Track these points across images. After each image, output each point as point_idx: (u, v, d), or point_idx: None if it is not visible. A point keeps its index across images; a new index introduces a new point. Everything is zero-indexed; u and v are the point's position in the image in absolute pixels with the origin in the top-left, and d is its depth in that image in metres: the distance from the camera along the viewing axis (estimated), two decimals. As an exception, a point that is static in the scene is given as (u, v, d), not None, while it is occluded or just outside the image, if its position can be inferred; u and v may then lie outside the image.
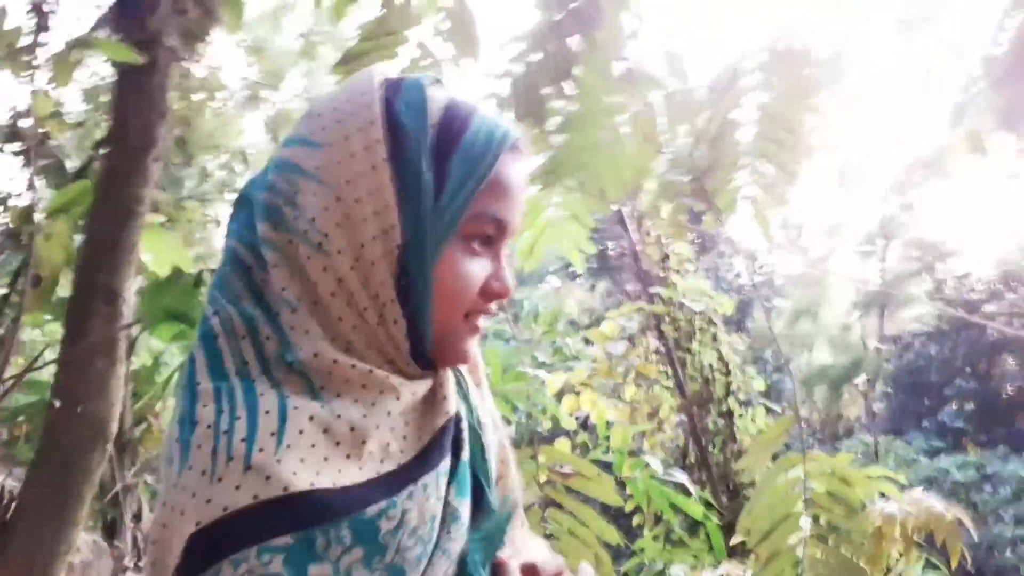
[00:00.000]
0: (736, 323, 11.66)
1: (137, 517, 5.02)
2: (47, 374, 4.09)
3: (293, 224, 0.63)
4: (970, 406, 12.34)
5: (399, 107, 0.65)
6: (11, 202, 4.72)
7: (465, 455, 0.69)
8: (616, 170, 2.23)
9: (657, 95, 2.14)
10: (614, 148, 2.21)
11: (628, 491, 3.41)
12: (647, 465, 3.13)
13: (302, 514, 0.56)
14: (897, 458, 9.74)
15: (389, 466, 0.62)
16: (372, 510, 0.59)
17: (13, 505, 1.65)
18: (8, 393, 1.31)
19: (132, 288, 1.59)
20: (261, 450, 0.57)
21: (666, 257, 4.82)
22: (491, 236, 0.67)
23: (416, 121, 0.64)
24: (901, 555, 2.46)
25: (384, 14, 2.15)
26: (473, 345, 0.69)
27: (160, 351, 4.21)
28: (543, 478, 2.27)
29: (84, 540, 3.59)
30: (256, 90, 5.82)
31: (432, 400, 0.68)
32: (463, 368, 0.75)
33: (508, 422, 4.97)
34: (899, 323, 15.13)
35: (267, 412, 0.59)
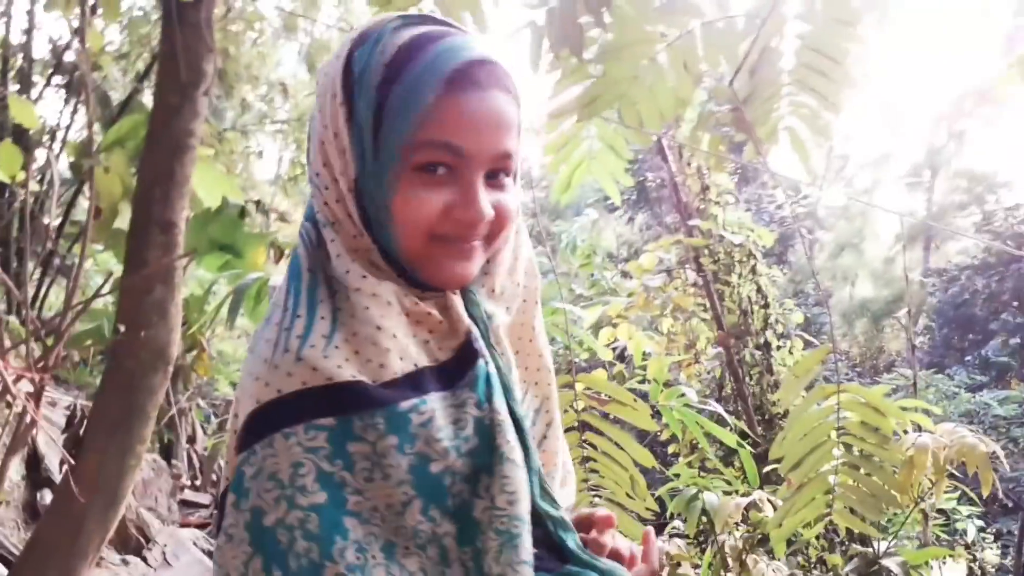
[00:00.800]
0: (777, 256, 11.54)
1: (191, 439, 5.27)
2: (100, 303, 4.26)
3: (308, 161, 0.74)
4: (1015, 341, 12.14)
5: (356, 54, 0.70)
6: (58, 135, 4.83)
7: (486, 365, 0.74)
8: (655, 100, 2.21)
9: (696, 24, 2.11)
10: (653, 78, 2.19)
11: (664, 420, 3.48)
12: (682, 395, 3.18)
13: (343, 401, 0.66)
14: (938, 392, 9.69)
15: (414, 367, 0.70)
16: (404, 405, 0.68)
17: (85, 423, 1.76)
18: (77, 318, 1.40)
19: (185, 219, 1.66)
20: (312, 346, 0.67)
21: (706, 188, 4.77)
22: (450, 164, 0.69)
23: (364, 63, 0.70)
24: (933, 484, 2.50)
25: (422, -57, 2.14)
26: (463, 268, 0.73)
27: (211, 281, 4.34)
28: (580, 405, 2.33)
29: (145, 459, 3.80)
30: (292, 20, 5.80)
31: (448, 317, 0.74)
32: (480, 288, 0.79)
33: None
34: (945, 256, 14.84)
35: (322, 317, 0.69)
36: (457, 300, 0.76)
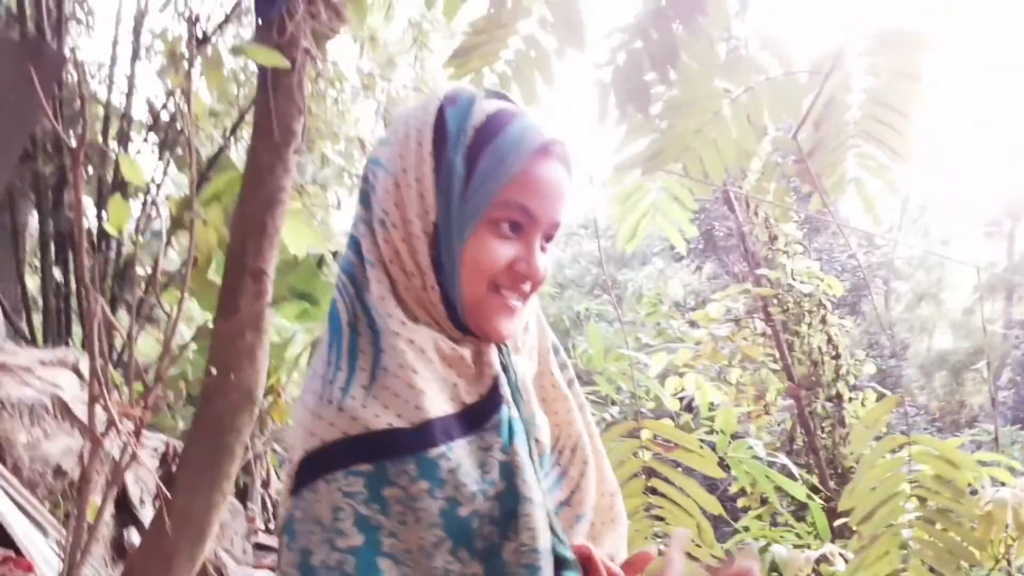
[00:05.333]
0: (850, 306, 11.26)
1: (266, 483, 5.41)
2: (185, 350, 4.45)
3: (372, 204, 0.81)
4: (1107, 396, 11.50)
5: (449, 112, 0.80)
6: (154, 190, 5.13)
7: (508, 409, 0.80)
8: (719, 153, 2.27)
9: (760, 79, 2.16)
10: (717, 132, 2.25)
11: (733, 473, 3.43)
12: (750, 447, 3.15)
13: (378, 448, 0.72)
14: (1023, 448, 9.23)
15: (443, 412, 0.76)
16: (434, 452, 0.73)
17: (176, 461, 1.88)
18: (174, 362, 1.52)
19: (274, 268, 1.78)
20: (353, 397, 0.73)
21: (774, 238, 4.76)
22: (521, 224, 0.80)
23: (458, 123, 0.79)
24: (1015, 541, 2.42)
25: (494, 9, 2.27)
26: (508, 324, 0.81)
27: (291, 330, 4.50)
28: (646, 454, 2.34)
29: (222, 499, 3.93)
30: (370, 80, 6.07)
31: (479, 364, 0.81)
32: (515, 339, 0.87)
33: (612, 402, 5.05)
34: (1030, 308, 14.22)
35: (362, 369, 0.75)
36: (491, 347, 0.83)
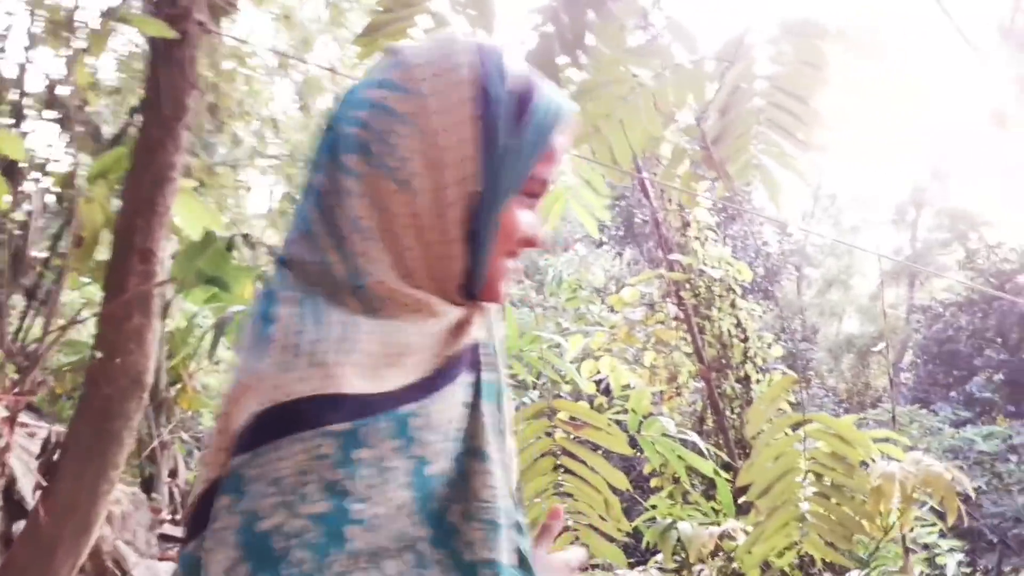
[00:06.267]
0: (764, 292, 11.62)
1: (173, 473, 5.24)
2: (85, 335, 4.27)
3: (382, 160, 0.72)
4: (1000, 377, 12.22)
5: (488, 71, 0.74)
6: (49, 167, 4.89)
7: (488, 375, 0.79)
8: (627, 138, 2.29)
9: (667, 65, 2.19)
10: (626, 116, 2.27)
11: (645, 454, 3.50)
12: (661, 425, 3.21)
13: (350, 409, 0.66)
14: (922, 428, 9.72)
15: (421, 375, 0.72)
16: (404, 409, 0.69)
17: (58, 451, 1.79)
18: (54, 344, 1.44)
19: (166, 249, 1.71)
20: (325, 352, 0.67)
21: (687, 224, 4.85)
22: (539, 194, 0.78)
23: (499, 88, 0.74)
24: (902, 513, 2.54)
25: (404, -15, 2.23)
26: (506, 288, 0.79)
27: (194, 314, 4.35)
28: (558, 435, 2.37)
29: (124, 492, 3.79)
30: (285, 59, 5.91)
31: (463, 326, 0.77)
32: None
33: (532, 386, 5.08)
34: (930, 293, 14.99)
35: (330, 324, 0.69)
36: (485, 313, 0.80)
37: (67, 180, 1.62)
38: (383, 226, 0.72)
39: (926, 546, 4.44)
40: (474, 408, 0.75)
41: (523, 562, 0.76)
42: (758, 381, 4.66)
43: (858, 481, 2.24)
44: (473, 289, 0.76)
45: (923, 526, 4.24)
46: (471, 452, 0.73)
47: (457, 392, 0.74)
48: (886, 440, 2.44)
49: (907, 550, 3.25)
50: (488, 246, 0.74)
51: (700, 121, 2.28)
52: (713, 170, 2.37)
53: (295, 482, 0.64)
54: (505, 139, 0.73)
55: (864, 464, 2.33)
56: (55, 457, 1.66)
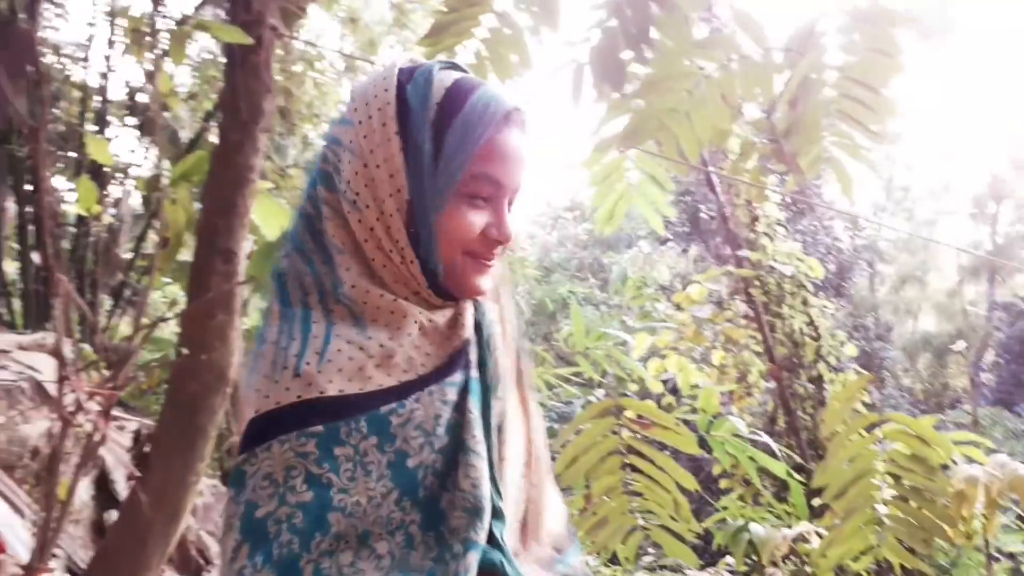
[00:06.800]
0: (835, 288, 11.32)
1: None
2: (166, 332, 4.44)
3: (338, 186, 0.81)
4: (1088, 377, 11.64)
5: (409, 90, 0.81)
6: (131, 171, 5.09)
7: (474, 373, 0.84)
8: (693, 131, 2.26)
9: (734, 58, 2.15)
10: (692, 110, 2.24)
11: (715, 454, 3.45)
12: (731, 424, 3.16)
13: (331, 411, 0.75)
14: (1005, 430, 9.33)
15: (410, 376, 0.80)
16: (385, 408, 0.77)
17: (149, 444, 1.87)
18: (144, 341, 1.51)
19: (246, 249, 1.77)
20: (308, 363, 0.76)
21: (755, 220, 4.76)
22: (490, 193, 0.82)
23: (420, 100, 0.80)
24: (987, 519, 2.45)
25: (469, -14, 2.24)
26: (484, 281, 0.85)
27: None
28: (626, 434, 2.35)
29: (205, 484, 3.93)
30: (352, 61, 6.02)
31: (453, 326, 0.84)
32: (487, 301, 0.90)
33: (598, 385, 5.06)
34: (1012, 290, 14.34)
35: (315, 336, 0.77)
36: (469, 310, 0.86)
37: (152, 184, 1.69)
38: (351, 241, 0.81)
39: (1011, 555, 4.26)
40: (460, 406, 0.81)
41: (496, 545, 0.81)
42: (831, 381, 4.55)
43: (939, 484, 2.17)
44: (441, 288, 0.83)
45: (1008, 533, 4.07)
46: (458, 446, 0.80)
47: (446, 392, 0.81)
48: (968, 442, 2.35)
49: (990, 558, 3.13)
50: (432, 245, 0.80)
51: (769, 114, 2.24)
52: (784, 163, 2.33)
53: (284, 476, 0.73)
54: (428, 147, 0.79)
55: (944, 467, 2.25)
56: (145, 449, 1.74)
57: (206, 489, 3.92)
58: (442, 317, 0.84)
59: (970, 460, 2.36)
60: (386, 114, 0.80)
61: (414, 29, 5.96)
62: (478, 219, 0.82)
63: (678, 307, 5.02)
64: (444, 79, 0.82)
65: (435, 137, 0.80)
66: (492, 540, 0.81)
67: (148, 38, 1.82)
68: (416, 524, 0.77)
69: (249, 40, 1.59)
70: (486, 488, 0.79)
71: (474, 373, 0.84)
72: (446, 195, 0.80)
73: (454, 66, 0.85)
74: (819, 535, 2.72)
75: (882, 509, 2.23)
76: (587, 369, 4.09)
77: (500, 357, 0.88)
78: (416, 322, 0.81)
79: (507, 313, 0.95)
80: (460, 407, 0.81)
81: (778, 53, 2.14)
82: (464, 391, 0.82)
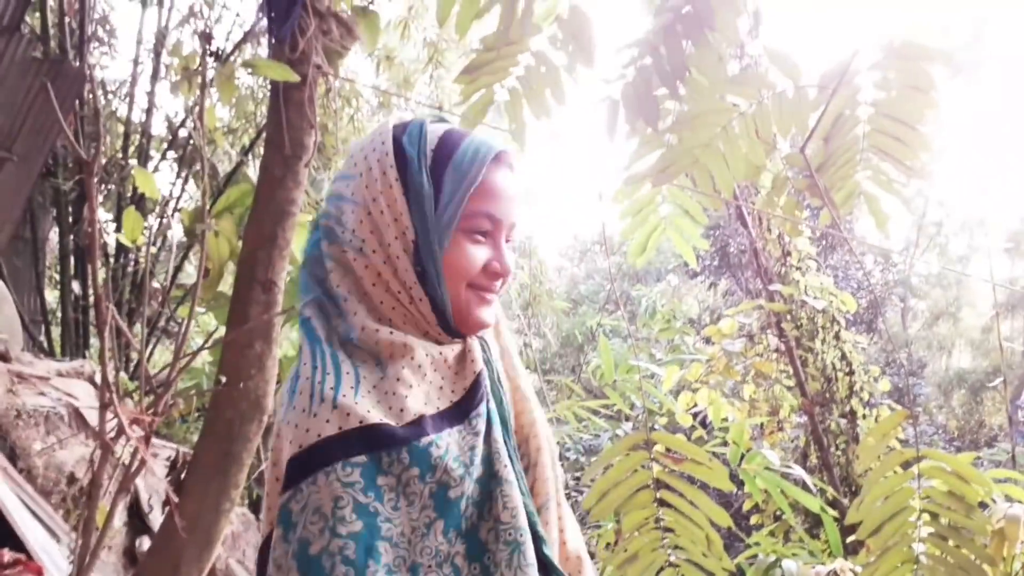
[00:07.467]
0: (867, 324, 11.17)
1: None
2: (199, 361, 4.50)
3: (341, 237, 0.86)
4: None
5: (404, 140, 0.87)
6: (172, 204, 5.21)
7: (487, 403, 0.88)
8: (729, 167, 2.28)
9: (767, 94, 2.17)
10: (727, 146, 2.26)
11: (746, 490, 3.40)
12: (764, 457, 3.13)
13: (373, 440, 0.77)
14: (1045, 470, 9.08)
15: (432, 410, 0.83)
16: (424, 440, 0.80)
17: (185, 469, 1.90)
18: (184, 369, 1.54)
19: (285, 280, 1.81)
20: (344, 396, 0.78)
21: (787, 254, 4.74)
22: (488, 228, 0.88)
23: (416, 149, 0.86)
24: (1029, 559, 2.39)
25: (504, 26, 2.29)
26: (487, 314, 0.89)
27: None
28: (656, 468, 2.34)
29: (236, 512, 3.96)
30: (386, 97, 6.14)
31: (463, 362, 0.88)
32: (489, 337, 0.96)
33: (626, 418, 5.02)
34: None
35: (347, 373, 0.81)
36: (476, 346, 0.90)
37: (196, 215, 1.74)
38: (358, 288, 0.85)
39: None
40: (488, 435, 0.85)
41: (547, 567, 0.84)
42: (864, 416, 4.48)
43: (978, 523, 2.13)
44: (450, 324, 0.87)
45: (1050, 575, 3.96)
46: (491, 476, 0.83)
47: (475, 424, 0.84)
48: (1008, 480, 2.32)
49: (1031, 599, 3.05)
50: (440, 282, 0.85)
51: (802, 149, 2.25)
52: (818, 198, 2.33)
53: (332, 507, 0.74)
54: (428, 190, 0.84)
55: (983, 505, 2.21)
56: (181, 477, 1.77)
57: (236, 517, 3.95)
58: (451, 352, 0.88)
59: (1009, 498, 2.32)
60: (385, 164, 0.86)
61: (448, 67, 6.07)
62: (480, 253, 0.87)
63: (708, 340, 4.99)
64: (436, 130, 0.88)
65: (434, 180, 0.85)
66: (541, 562, 0.83)
67: (197, 77, 1.89)
68: (461, 555, 0.78)
69: (296, 77, 1.64)
70: (522, 517, 0.81)
71: (492, 405, 0.88)
72: (450, 232, 0.84)
73: (443, 119, 0.92)
74: (853, 572, 2.68)
75: (919, 547, 2.19)
76: (616, 401, 4.08)
77: (504, 378, 0.93)
78: (428, 355, 0.85)
79: (510, 347, 1.00)
80: (487, 438, 0.85)
81: (812, 89, 2.15)
82: (489, 422, 0.86)
